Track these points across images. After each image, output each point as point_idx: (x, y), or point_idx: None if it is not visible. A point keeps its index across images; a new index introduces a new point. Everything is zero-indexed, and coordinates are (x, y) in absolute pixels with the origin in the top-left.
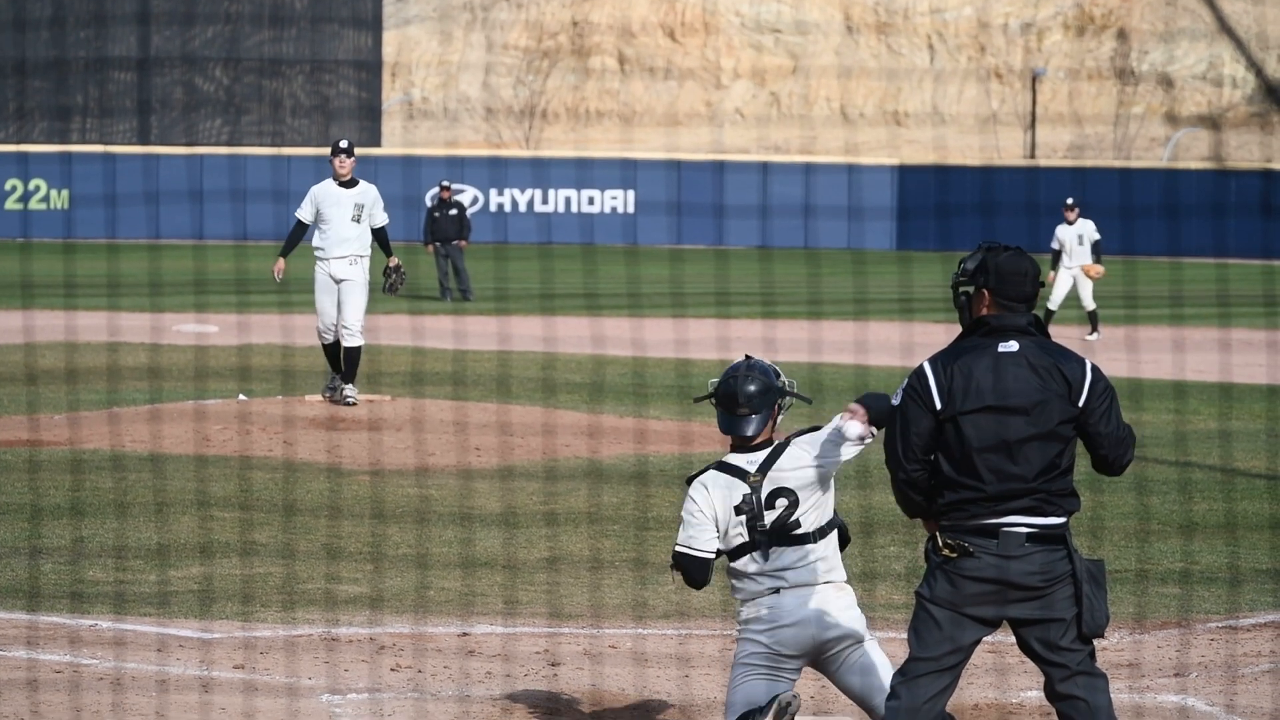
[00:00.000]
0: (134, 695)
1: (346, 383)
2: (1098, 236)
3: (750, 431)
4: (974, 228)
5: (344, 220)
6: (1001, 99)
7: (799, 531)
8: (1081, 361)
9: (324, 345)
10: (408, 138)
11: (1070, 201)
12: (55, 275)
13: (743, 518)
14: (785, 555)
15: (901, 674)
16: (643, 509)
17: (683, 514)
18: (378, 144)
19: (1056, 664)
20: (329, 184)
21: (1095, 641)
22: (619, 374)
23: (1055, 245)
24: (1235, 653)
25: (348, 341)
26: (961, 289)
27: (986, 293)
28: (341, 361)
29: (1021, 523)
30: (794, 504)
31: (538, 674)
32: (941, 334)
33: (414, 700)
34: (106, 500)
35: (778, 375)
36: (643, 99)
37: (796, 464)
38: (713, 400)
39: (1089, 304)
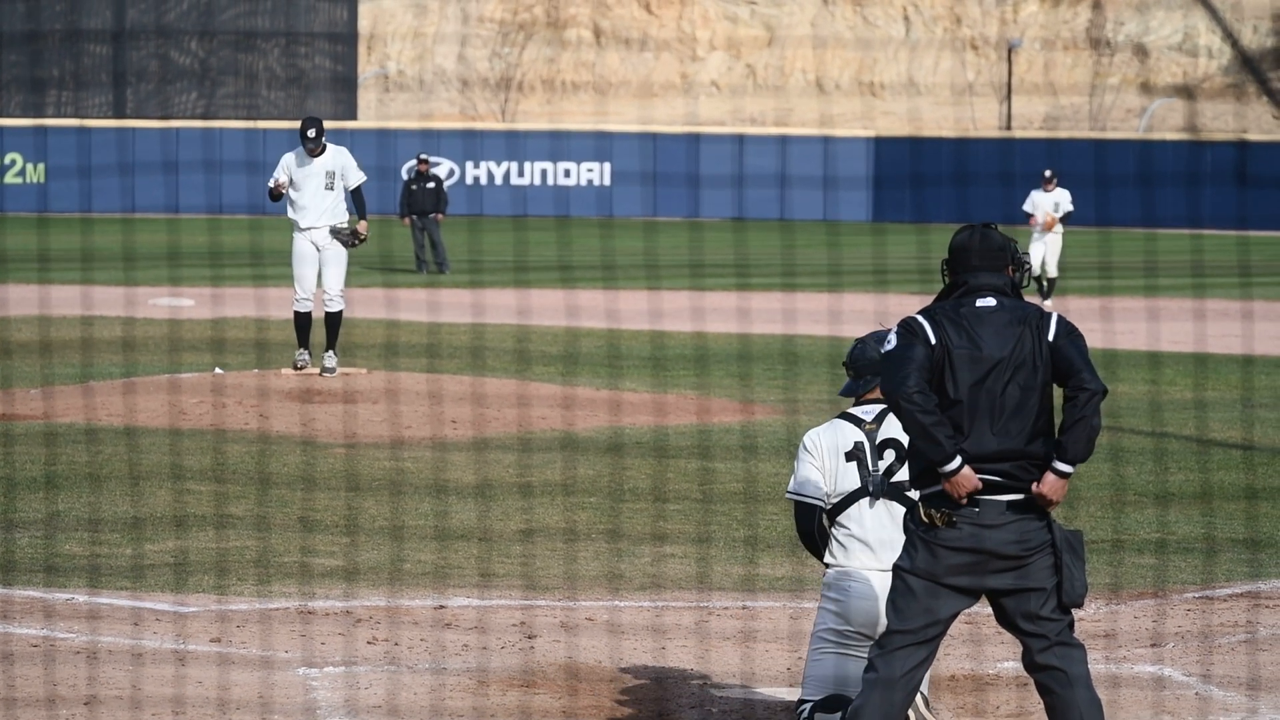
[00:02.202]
0: (109, 669)
1: (328, 349)
2: (1071, 208)
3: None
4: (949, 199)
5: (317, 190)
6: (977, 70)
7: (906, 491)
8: (1048, 314)
9: (296, 314)
10: (382, 110)
11: (1049, 173)
12: (30, 249)
13: (853, 464)
14: (882, 516)
15: (879, 646)
16: (618, 481)
17: (795, 463)
18: (353, 117)
19: (1035, 634)
20: (298, 151)
21: (1073, 612)
22: (594, 346)
23: (1029, 209)
24: (1211, 623)
25: (329, 307)
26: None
27: (947, 269)
28: (325, 328)
29: (1000, 491)
30: (901, 458)
31: (514, 646)
32: (916, 304)
33: (390, 673)
34: (81, 474)
35: None
36: (618, 71)
37: None
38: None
39: (1052, 271)
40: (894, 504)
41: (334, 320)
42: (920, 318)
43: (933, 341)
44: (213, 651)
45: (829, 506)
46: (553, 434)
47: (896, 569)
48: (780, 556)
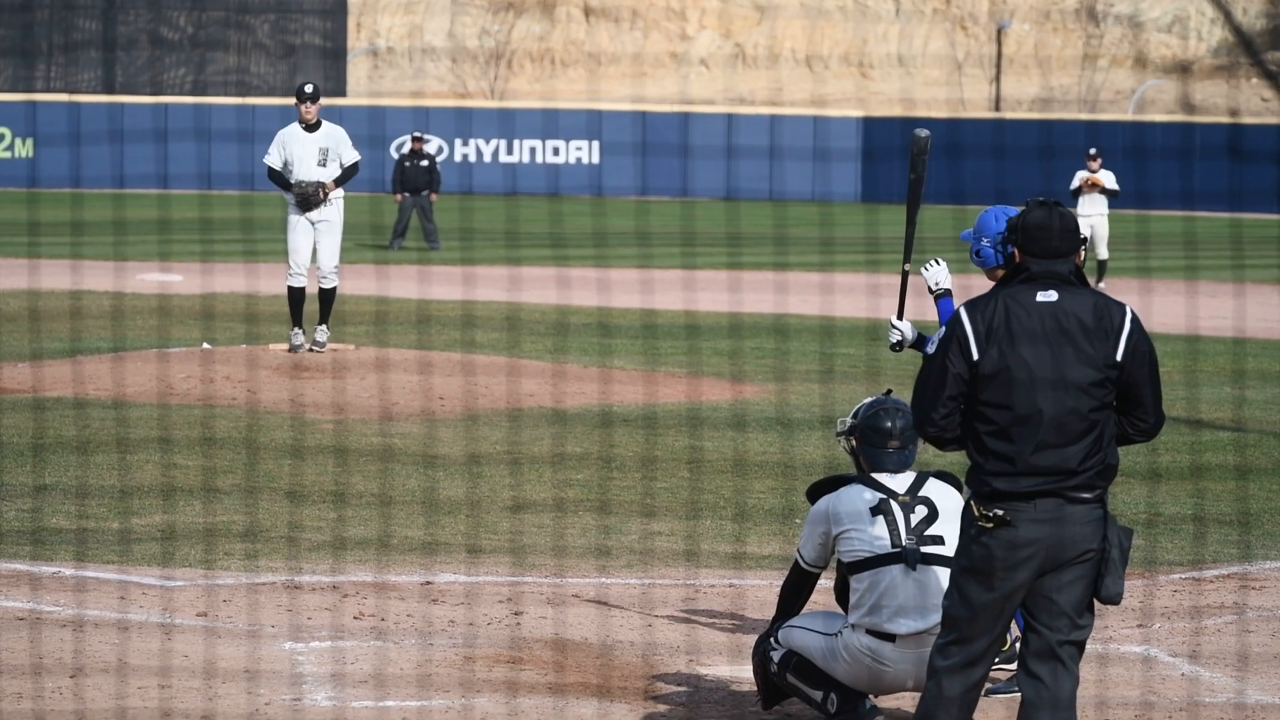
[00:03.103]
0: (96, 641)
1: (320, 323)
2: (1116, 188)
3: (896, 467)
4: (941, 178)
5: (310, 164)
6: (967, 51)
7: (944, 550)
8: (1122, 308)
9: (290, 289)
10: (373, 86)
11: (1093, 151)
12: (19, 222)
13: (880, 519)
14: (912, 584)
15: (949, 646)
16: (606, 457)
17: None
18: (343, 93)
19: (1045, 627)
20: (294, 128)
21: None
22: (584, 322)
23: (1074, 186)
24: (1199, 603)
25: (325, 284)
26: (1008, 245)
27: (1017, 251)
28: (319, 302)
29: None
30: (934, 515)
31: (501, 622)
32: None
33: (377, 648)
34: (69, 446)
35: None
36: (608, 49)
37: (945, 493)
38: (850, 437)
39: (1102, 253)
40: (929, 570)
41: (328, 296)
42: (965, 319)
43: (975, 356)
44: (199, 625)
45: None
46: (542, 410)
47: (957, 569)
48: (768, 534)
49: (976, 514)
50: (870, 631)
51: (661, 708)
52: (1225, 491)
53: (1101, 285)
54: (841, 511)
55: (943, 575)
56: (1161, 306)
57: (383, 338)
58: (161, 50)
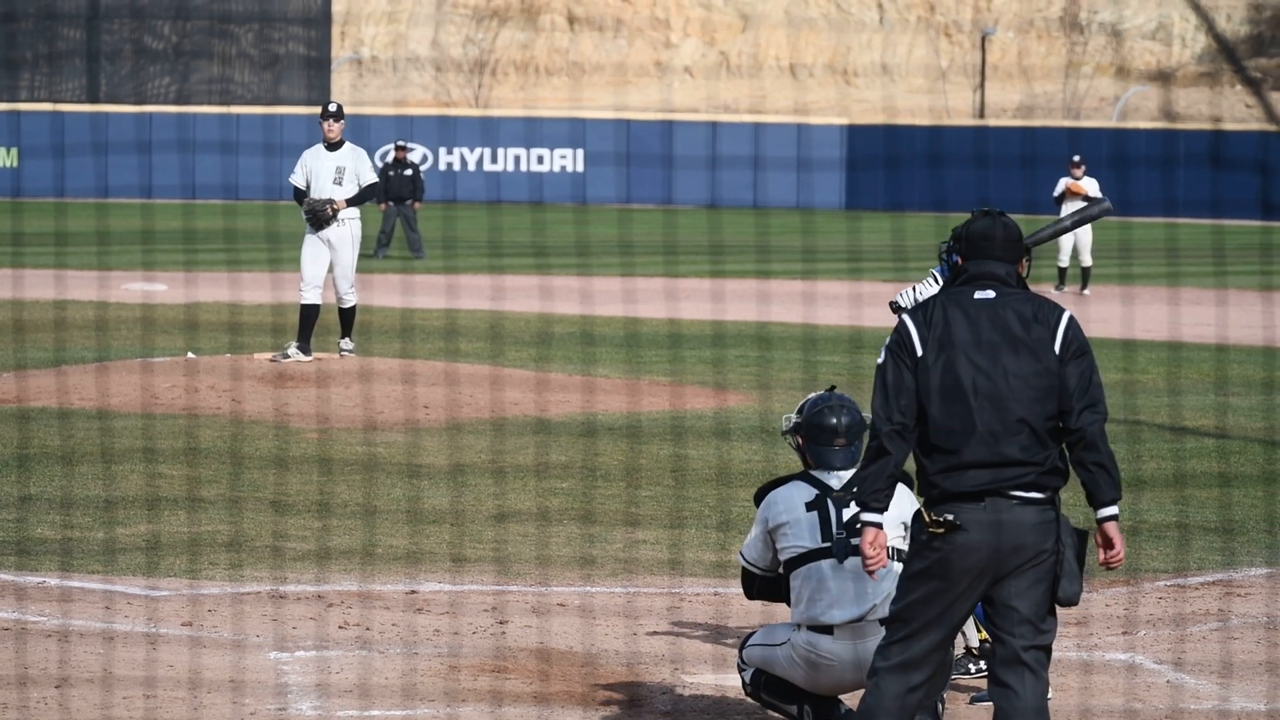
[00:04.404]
0: (81, 651)
1: (344, 335)
2: (1099, 197)
3: (843, 464)
4: (923, 186)
5: (326, 182)
6: (951, 58)
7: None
8: (1059, 308)
9: (303, 306)
10: (356, 95)
11: (1077, 159)
12: (3, 233)
13: (814, 515)
14: (845, 573)
15: (893, 647)
16: (590, 466)
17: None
18: (326, 101)
19: (1007, 634)
20: (318, 148)
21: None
22: (567, 331)
23: (1057, 193)
24: (1183, 610)
25: (343, 304)
26: (953, 256)
27: (959, 259)
28: (339, 319)
29: (1010, 493)
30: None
31: (485, 631)
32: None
33: (361, 657)
34: (54, 456)
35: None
36: (592, 57)
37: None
38: (795, 434)
39: (1086, 260)
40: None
41: (347, 315)
42: (909, 323)
43: (919, 352)
44: (184, 635)
45: (773, 572)
46: (526, 419)
47: (905, 577)
48: None
49: (927, 520)
50: (810, 627)
51: (646, 716)
52: (1209, 499)
53: (1085, 293)
54: (779, 508)
55: None
56: (1144, 314)
57: (367, 347)
58: (145, 60)
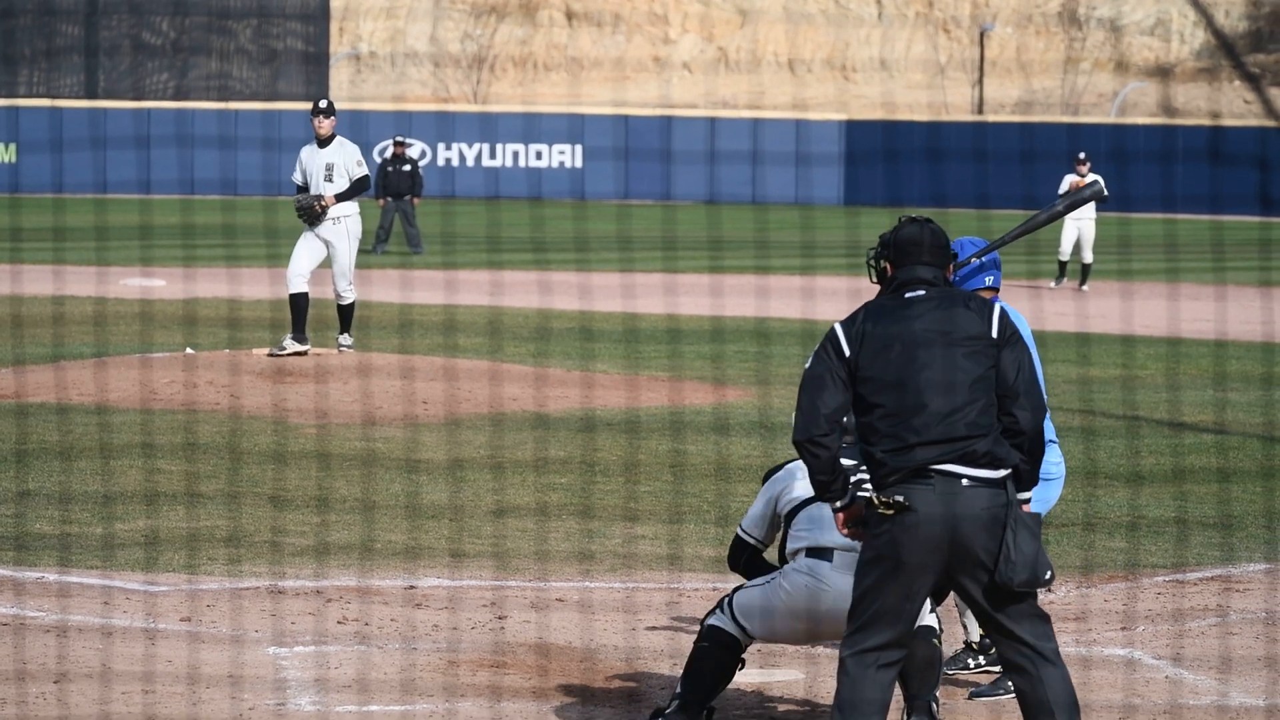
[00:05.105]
0: (79, 647)
1: (342, 332)
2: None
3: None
4: (922, 182)
5: (318, 181)
6: (949, 54)
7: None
8: (990, 302)
9: (291, 296)
10: (355, 91)
11: (1083, 155)
12: (1, 228)
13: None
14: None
15: (855, 638)
16: (589, 461)
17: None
18: (324, 97)
19: (1002, 632)
20: (312, 145)
21: (1043, 594)
22: (566, 327)
23: (1063, 190)
24: (1182, 606)
25: (341, 300)
26: (881, 262)
27: (888, 265)
28: (338, 315)
29: (952, 471)
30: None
31: (484, 626)
32: None
33: (360, 652)
34: (52, 452)
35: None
36: (590, 53)
37: None
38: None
39: (1087, 257)
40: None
41: (345, 311)
42: (838, 328)
43: (847, 353)
44: (183, 630)
45: (764, 547)
46: (524, 414)
47: (860, 562)
48: None
49: (876, 503)
50: (809, 552)
51: (645, 711)
52: (1208, 494)
53: (1084, 288)
54: (785, 482)
55: None
56: (1143, 310)
57: (365, 342)
58: (143, 55)
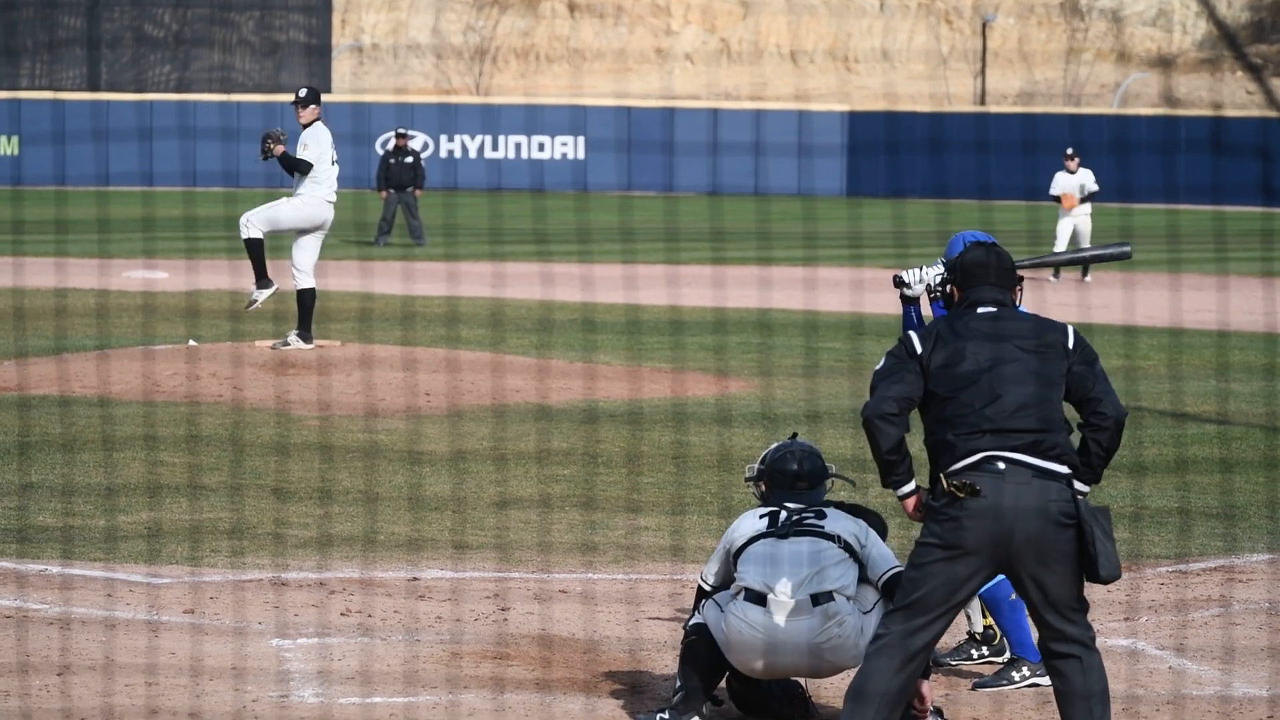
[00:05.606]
0: (82, 639)
1: (296, 328)
2: (1096, 188)
3: (809, 504)
4: (924, 172)
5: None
6: (951, 45)
7: (819, 527)
8: (1062, 325)
9: (296, 290)
10: (357, 83)
11: (1070, 151)
12: (4, 221)
13: (765, 520)
14: (785, 549)
15: (898, 617)
16: (592, 453)
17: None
18: (327, 89)
19: (1041, 623)
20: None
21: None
22: (569, 318)
23: (1055, 192)
24: (1185, 596)
25: (296, 284)
26: (948, 287)
27: (955, 289)
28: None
29: (1022, 460)
30: (820, 515)
31: (487, 618)
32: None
33: (363, 644)
34: (55, 444)
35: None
36: (593, 44)
37: (838, 514)
38: (759, 482)
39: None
40: (802, 540)
41: (302, 297)
42: (913, 334)
43: (919, 351)
44: (185, 622)
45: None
46: (527, 405)
47: (918, 543)
48: None
49: (946, 486)
50: (746, 594)
51: (648, 703)
52: (1210, 484)
53: (1087, 279)
54: (738, 530)
55: (811, 546)
56: (1145, 300)
57: (367, 334)
58: (146, 47)
